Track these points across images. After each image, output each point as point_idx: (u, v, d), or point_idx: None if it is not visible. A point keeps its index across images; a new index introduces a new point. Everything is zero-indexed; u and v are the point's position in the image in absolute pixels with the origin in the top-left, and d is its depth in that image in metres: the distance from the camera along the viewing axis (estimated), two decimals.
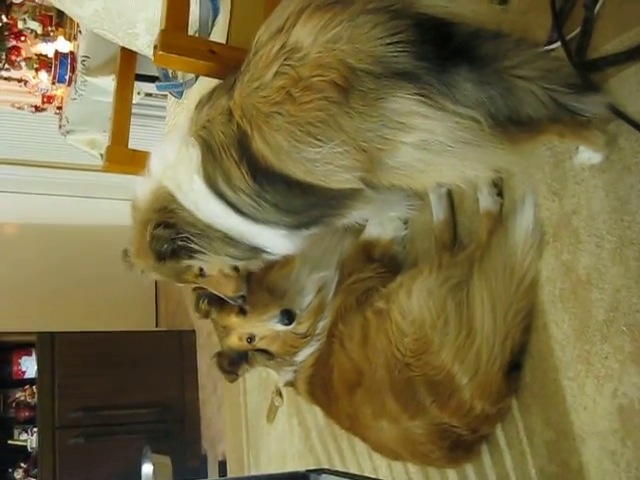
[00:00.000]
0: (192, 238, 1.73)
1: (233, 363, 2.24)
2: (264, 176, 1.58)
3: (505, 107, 1.39)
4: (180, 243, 1.74)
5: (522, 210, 1.84)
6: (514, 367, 1.86)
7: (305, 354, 2.17)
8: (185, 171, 1.69)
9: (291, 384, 2.30)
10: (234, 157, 1.59)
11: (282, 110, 1.46)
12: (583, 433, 1.71)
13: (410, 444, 1.96)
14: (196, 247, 1.74)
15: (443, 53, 1.36)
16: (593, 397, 1.69)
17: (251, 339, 2.14)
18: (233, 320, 2.12)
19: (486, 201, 1.96)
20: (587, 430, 1.70)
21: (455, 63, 1.36)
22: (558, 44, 1.74)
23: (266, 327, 2.10)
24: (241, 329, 2.13)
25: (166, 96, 2.95)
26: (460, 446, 1.93)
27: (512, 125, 1.42)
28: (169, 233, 1.73)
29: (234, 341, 2.16)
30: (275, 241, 1.79)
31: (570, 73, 1.51)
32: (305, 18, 1.44)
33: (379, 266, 2.19)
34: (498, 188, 1.96)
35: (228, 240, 1.75)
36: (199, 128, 1.65)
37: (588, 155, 1.67)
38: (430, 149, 1.43)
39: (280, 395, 3.31)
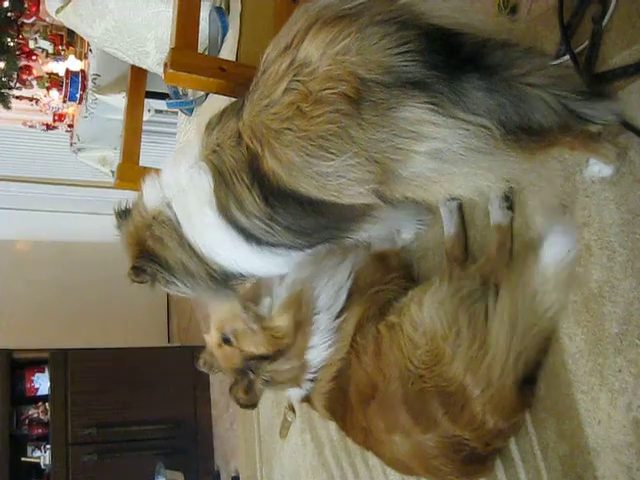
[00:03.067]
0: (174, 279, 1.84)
1: (248, 390, 2.20)
2: (275, 197, 1.57)
3: (516, 115, 1.38)
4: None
5: (557, 237, 1.77)
6: (528, 382, 1.85)
7: (320, 352, 2.12)
8: (197, 201, 1.69)
9: (307, 399, 2.28)
10: (245, 182, 1.59)
11: (293, 125, 1.45)
12: (598, 447, 1.70)
13: (423, 458, 1.95)
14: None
15: (453, 62, 1.36)
16: (607, 411, 1.68)
17: (227, 340, 2.13)
18: (207, 339, 2.21)
19: (497, 214, 1.96)
20: (602, 444, 1.69)
21: (465, 71, 1.35)
22: (567, 57, 1.75)
23: (220, 316, 2.15)
24: (213, 337, 2.18)
25: (176, 113, 2.97)
26: (473, 460, 1.91)
27: (523, 133, 1.41)
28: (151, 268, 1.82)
29: (218, 353, 2.18)
30: (271, 266, 1.81)
31: (580, 80, 1.50)
32: (313, 33, 1.43)
33: (398, 276, 2.20)
34: (509, 202, 1.96)
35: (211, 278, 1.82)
36: (210, 152, 1.65)
37: (598, 168, 1.67)
38: (443, 158, 1.41)
39: (293, 410, 3.30)
